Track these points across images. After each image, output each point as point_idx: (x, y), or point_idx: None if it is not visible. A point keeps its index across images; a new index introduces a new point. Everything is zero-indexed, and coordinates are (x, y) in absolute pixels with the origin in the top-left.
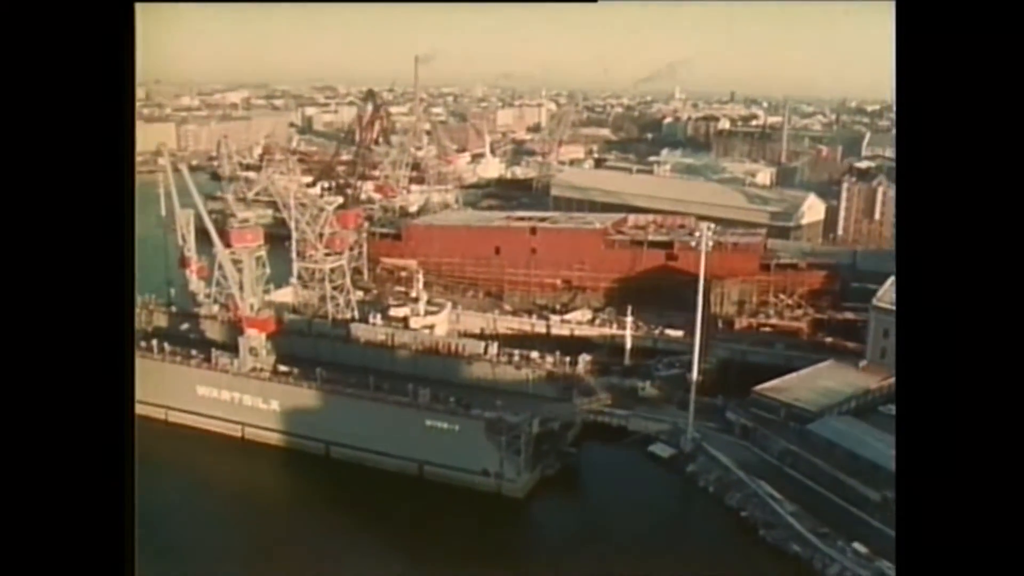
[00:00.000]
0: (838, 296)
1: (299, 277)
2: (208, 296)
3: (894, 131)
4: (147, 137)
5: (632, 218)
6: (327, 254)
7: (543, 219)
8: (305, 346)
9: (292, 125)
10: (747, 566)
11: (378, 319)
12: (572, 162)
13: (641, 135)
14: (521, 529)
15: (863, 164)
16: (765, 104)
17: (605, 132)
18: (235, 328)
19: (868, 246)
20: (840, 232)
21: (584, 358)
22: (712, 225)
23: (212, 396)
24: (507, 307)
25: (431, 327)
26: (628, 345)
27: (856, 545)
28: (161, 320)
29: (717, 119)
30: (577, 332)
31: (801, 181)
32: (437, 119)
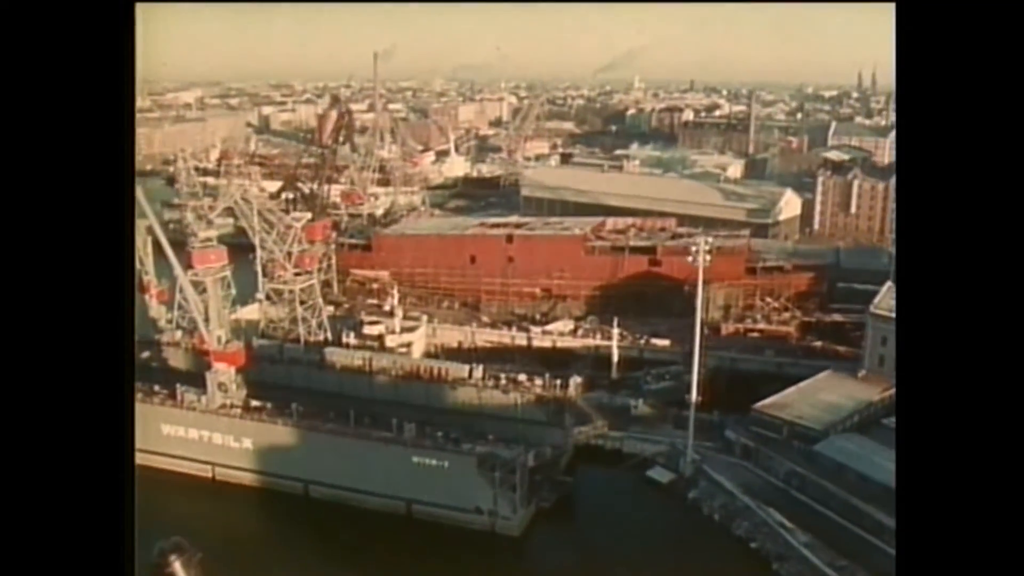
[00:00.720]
0: (825, 298)
1: (268, 298)
2: (170, 322)
3: (888, 122)
4: None
5: (611, 222)
6: (297, 273)
7: (519, 225)
8: (277, 373)
9: (249, 125)
10: None
11: (352, 337)
12: (537, 157)
13: (605, 127)
14: (518, 569)
15: (832, 154)
16: (725, 92)
17: (568, 125)
18: (200, 356)
19: (846, 239)
20: (816, 227)
21: (575, 380)
22: (708, 240)
23: (178, 435)
24: (484, 318)
25: (408, 345)
26: (615, 358)
27: None
28: None
29: (681, 109)
30: (560, 344)
31: (771, 173)
32: (398, 116)
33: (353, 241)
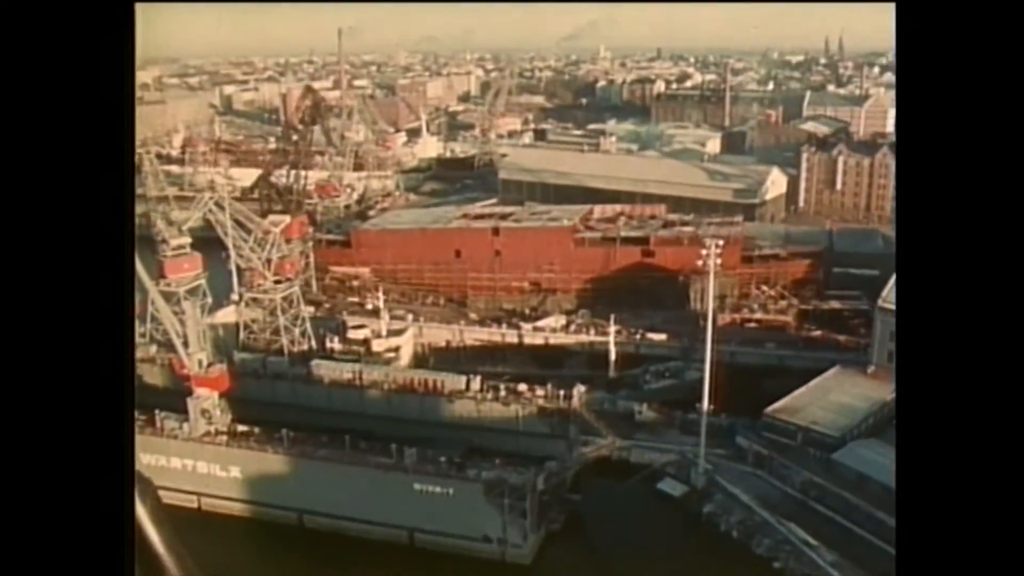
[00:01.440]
0: (821, 284)
1: (247, 306)
2: (143, 335)
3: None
4: None
5: (598, 210)
6: (277, 281)
7: (504, 216)
8: (262, 389)
9: (212, 106)
10: None
11: (336, 342)
12: (510, 134)
13: (576, 101)
14: None
15: (809, 126)
16: (693, 59)
17: (539, 99)
18: (179, 377)
19: (832, 217)
20: (802, 204)
21: (579, 389)
22: (717, 243)
23: (159, 464)
24: (472, 315)
25: (396, 350)
26: (612, 356)
27: None
28: None
29: (652, 81)
30: (552, 340)
31: (750, 147)
32: (365, 93)
33: (331, 237)
